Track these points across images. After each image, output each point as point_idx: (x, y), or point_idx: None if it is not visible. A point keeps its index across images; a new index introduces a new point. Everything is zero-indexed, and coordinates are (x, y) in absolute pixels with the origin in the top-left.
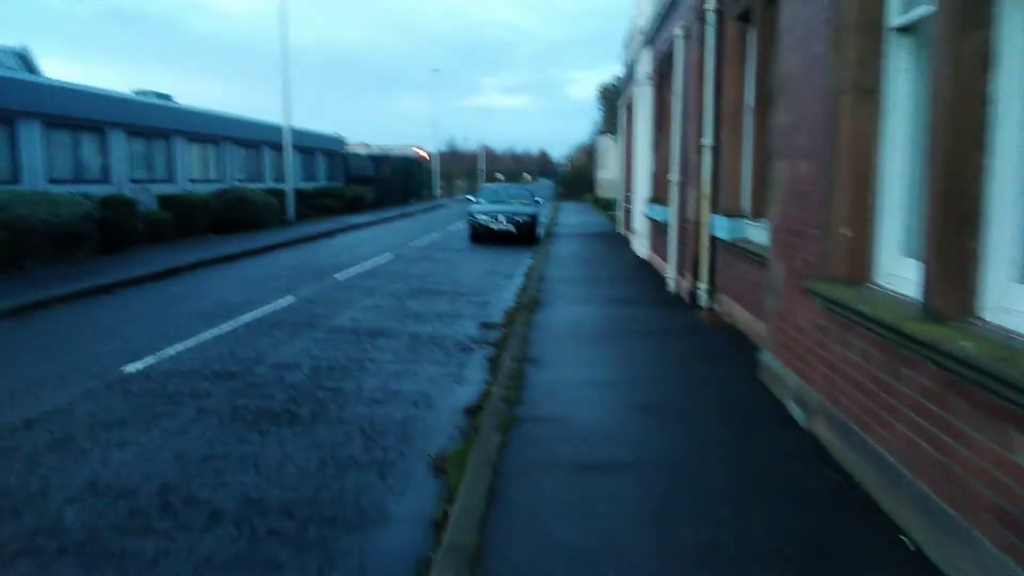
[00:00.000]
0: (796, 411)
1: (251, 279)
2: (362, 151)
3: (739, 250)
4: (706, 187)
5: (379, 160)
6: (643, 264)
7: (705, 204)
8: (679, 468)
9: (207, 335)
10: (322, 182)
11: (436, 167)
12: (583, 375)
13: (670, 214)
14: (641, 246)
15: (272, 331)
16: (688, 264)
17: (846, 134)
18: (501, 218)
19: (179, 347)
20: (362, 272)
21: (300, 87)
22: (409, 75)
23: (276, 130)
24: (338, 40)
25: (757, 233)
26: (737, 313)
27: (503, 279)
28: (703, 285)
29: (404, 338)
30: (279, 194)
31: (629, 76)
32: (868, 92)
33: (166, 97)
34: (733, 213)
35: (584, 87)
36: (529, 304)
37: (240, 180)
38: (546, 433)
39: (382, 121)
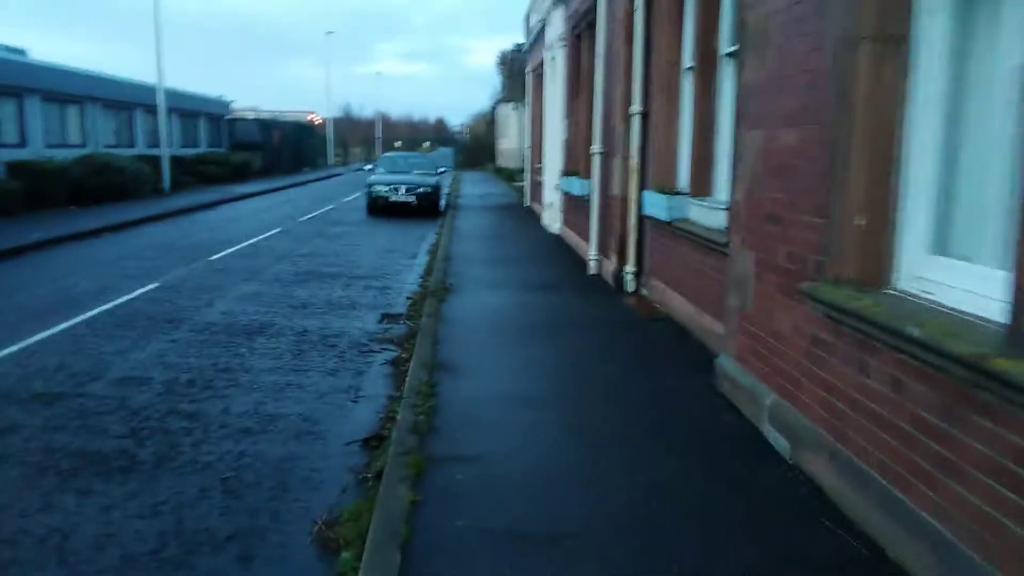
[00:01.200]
0: (775, 436)
1: (109, 261)
2: (252, 115)
3: (679, 232)
4: (634, 159)
5: (267, 125)
6: (557, 241)
7: (634, 178)
8: (643, 535)
9: (35, 338)
10: (204, 148)
11: (330, 134)
12: (507, 388)
13: (590, 188)
14: (553, 221)
15: (122, 330)
16: (613, 244)
17: (863, 96)
18: (401, 189)
19: None
20: (242, 251)
21: (186, 50)
22: (303, 40)
23: (150, 91)
24: (229, 2)
25: (702, 214)
26: (675, 303)
27: (405, 259)
28: (630, 268)
29: (288, 337)
30: (154, 161)
31: (536, 39)
32: (893, 41)
33: (19, 52)
34: (668, 189)
35: (482, 55)
36: (436, 290)
37: (108, 146)
38: (470, 481)
39: (276, 87)
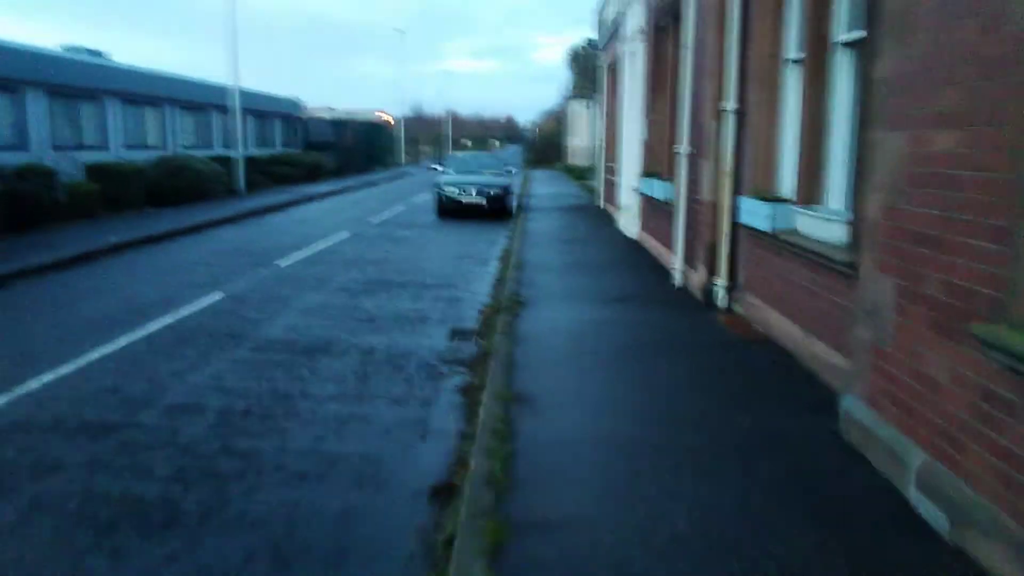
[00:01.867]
0: (927, 506)
1: (178, 266)
2: (326, 115)
3: (783, 245)
4: (727, 162)
5: (340, 125)
6: (635, 247)
7: (726, 182)
8: None
9: (92, 356)
10: (278, 148)
11: (400, 133)
12: (593, 428)
13: (674, 192)
14: (630, 224)
15: (181, 348)
16: (701, 254)
17: None
18: (471, 190)
19: (47, 377)
20: (311, 256)
21: (258, 50)
22: (373, 39)
23: (225, 92)
24: (300, 2)
25: (813, 225)
26: (777, 324)
27: (476, 265)
28: (721, 281)
29: (353, 356)
30: (229, 162)
31: (612, 33)
32: None
33: (97, 54)
34: (769, 196)
35: (550, 52)
36: (509, 303)
37: (185, 147)
38: (556, 561)
39: (346, 86)
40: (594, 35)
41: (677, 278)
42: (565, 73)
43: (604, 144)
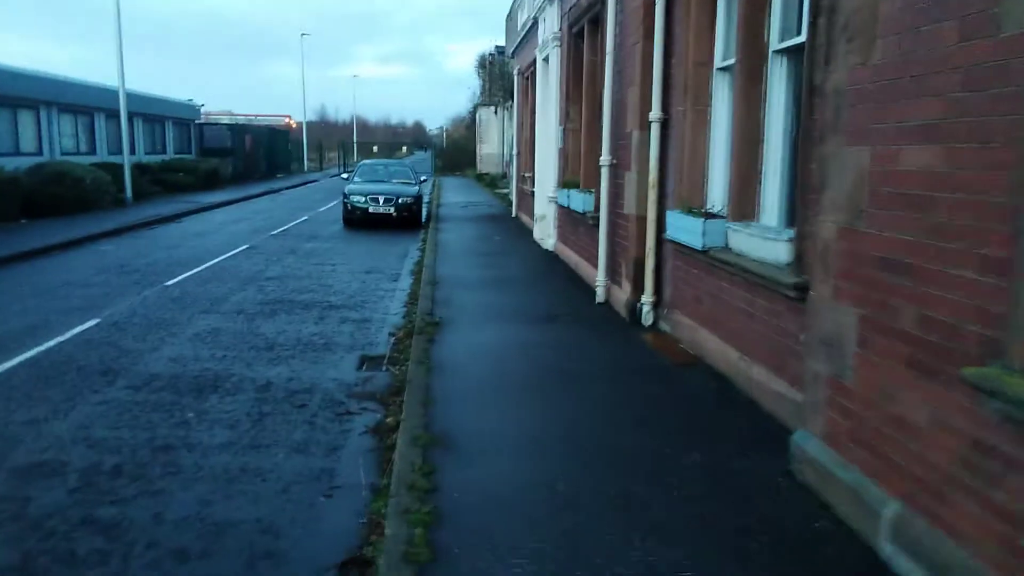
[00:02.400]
0: (902, 563)
1: (49, 287)
2: (225, 120)
3: (715, 262)
4: (652, 173)
5: (239, 130)
6: (553, 260)
7: (651, 195)
8: None
9: None
10: (171, 155)
11: (303, 138)
12: (526, 475)
13: (596, 203)
14: (546, 235)
15: (42, 388)
16: (625, 270)
17: None
18: (380, 200)
19: None
20: (204, 273)
21: (157, 54)
22: (279, 43)
23: (113, 95)
24: (205, 5)
25: (749, 243)
26: (709, 345)
27: (386, 281)
28: (647, 298)
29: (248, 393)
30: (117, 169)
31: (525, 39)
32: None
33: None
34: (697, 210)
35: (460, 59)
36: (424, 325)
37: (68, 153)
38: None
39: (252, 91)
40: (503, 42)
41: (600, 294)
42: (475, 80)
43: (518, 152)
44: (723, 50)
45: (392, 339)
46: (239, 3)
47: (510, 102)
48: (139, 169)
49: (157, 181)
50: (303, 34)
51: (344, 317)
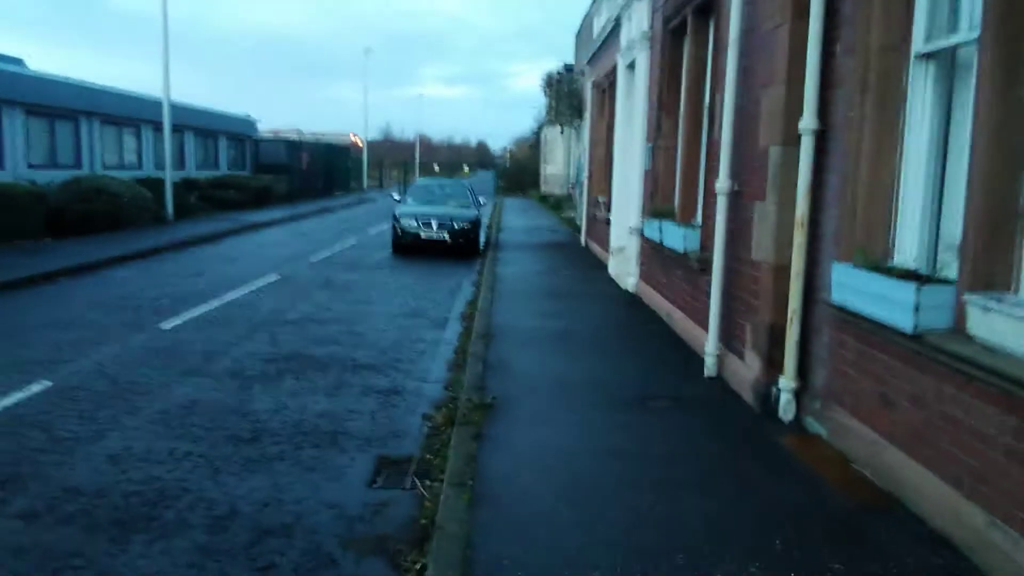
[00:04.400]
0: None
1: (21, 328)
2: (293, 137)
3: (943, 357)
4: (801, 206)
5: (296, 146)
6: (636, 305)
7: (798, 236)
8: None
9: None
10: (224, 170)
11: (364, 156)
12: None
13: (699, 242)
14: (625, 272)
15: None
16: (753, 338)
17: None
18: (433, 224)
19: None
20: (213, 312)
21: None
22: (349, 64)
23: (159, 106)
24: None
25: (1014, 330)
26: (914, 480)
27: (430, 329)
28: (787, 382)
29: (193, 536)
30: (162, 184)
31: (603, 45)
32: None
33: (17, 61)
34: (893, 266)
35: (525, 79)
36: (472, 408)
37: (111, 167)
38: None
39: (316, 110)
40: (571, 60)
41: (710, 365)
42: (540, 99)
43: (589, 173)
44: (926, 27)
45: (427, 426)
46: (312, 27)
47: (578, 120)
48: (187, 185)
49: (206, 198)
50: (367, 49)
51: (368, 385)
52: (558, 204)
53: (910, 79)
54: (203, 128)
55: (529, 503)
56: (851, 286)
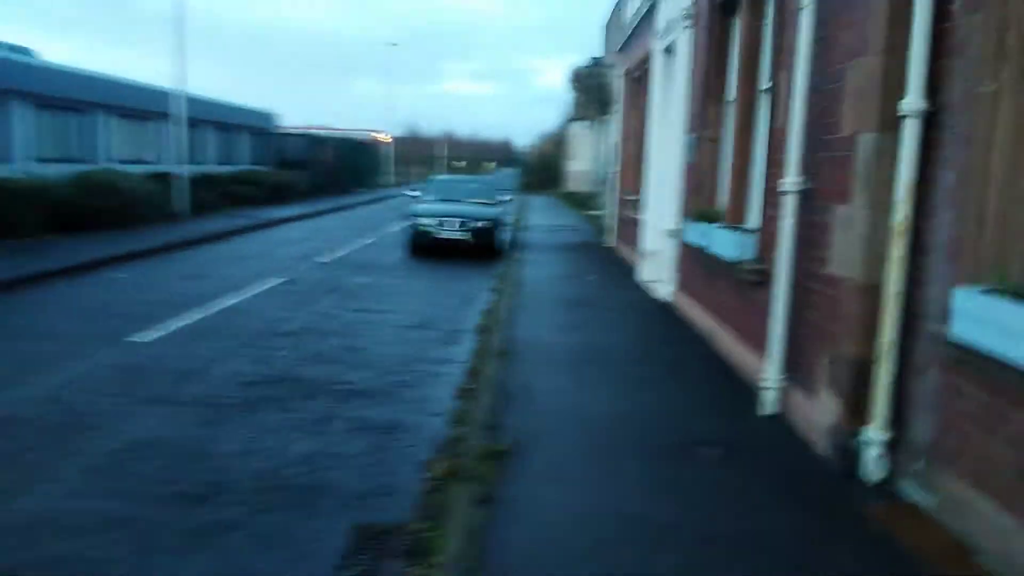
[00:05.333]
0: None
1: None
2: (322, 133)
3: None
4: (902, 209)
5: (318, 142)
6: (671, 317)
7: (897, 247)
8: None
9: None
10: (245, 166)
11: (390, 152)
12: None
13: (755, 249)
14: (658, 279)
15: None
16: (828, 372)
17: None
18: (453, 223)
19: None
20: (204, 323)
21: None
22: (369, 59)
23: (176, 99)
24: (297, 21)
25: None
26: None
27: (441, 344)
28: (877, 433)
29: None
30: (179, 180)
31: (635, 31)
32: None
33: (25, 51)
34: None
35: (550, 75)
36: (481, 458)
37: (126, 161)
38: None
39: (341, 106)
40: (598, 54)
41: (769, 400)
42: (566, 95)
43: (620, 170)
44: None
45: (424, 479)
46: (329, 20)
47: (606, 115)
48: (206, 180)
49: (225, 193)
50: (391, 44)
51: (361, 418)
52: (583, 202)
53: None
54: (223, 122)
55: None
56: (980, 317)
